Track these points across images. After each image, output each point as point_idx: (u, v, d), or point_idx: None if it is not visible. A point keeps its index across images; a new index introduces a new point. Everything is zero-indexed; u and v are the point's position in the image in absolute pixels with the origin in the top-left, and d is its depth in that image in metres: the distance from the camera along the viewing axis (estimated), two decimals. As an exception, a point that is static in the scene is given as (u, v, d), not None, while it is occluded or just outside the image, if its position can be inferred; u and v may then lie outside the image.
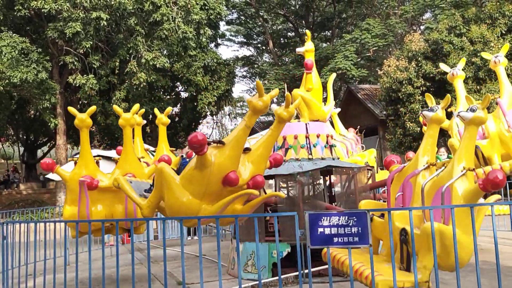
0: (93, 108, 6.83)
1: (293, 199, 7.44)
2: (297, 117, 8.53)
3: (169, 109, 9.15)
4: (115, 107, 7.54)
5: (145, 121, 9.00)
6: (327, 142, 7.62)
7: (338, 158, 7.79)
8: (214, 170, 4.90)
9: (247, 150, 5.30)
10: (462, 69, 8.94)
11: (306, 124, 7.66)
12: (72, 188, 6.38)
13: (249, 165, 5.24)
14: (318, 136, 7.55)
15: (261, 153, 5.30)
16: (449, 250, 4.43)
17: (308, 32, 9.03)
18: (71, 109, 6.94)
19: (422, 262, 4.52)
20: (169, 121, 8.99)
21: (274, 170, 7.08)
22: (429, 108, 5.62)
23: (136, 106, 7.47)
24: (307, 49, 8.56)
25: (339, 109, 12.31)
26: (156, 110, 8.98)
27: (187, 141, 4.88)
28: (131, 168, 6.68)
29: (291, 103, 5.32)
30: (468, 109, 5.11)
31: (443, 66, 9.22)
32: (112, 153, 12.31)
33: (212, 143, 5.04)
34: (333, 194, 8.32)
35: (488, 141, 7.51)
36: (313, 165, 7.15)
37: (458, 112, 5.26)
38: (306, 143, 7.47)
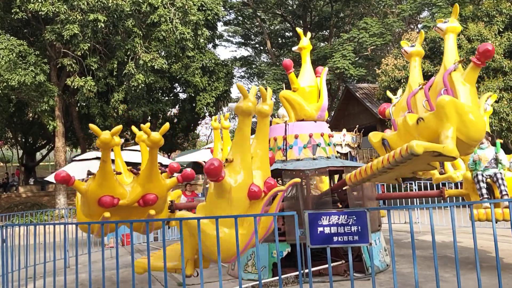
0: (119, 127, 5.77)
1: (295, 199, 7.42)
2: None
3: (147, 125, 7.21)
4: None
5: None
6: (309, 142, 7.54)
7: (328, 158, 7.57)
8: (88, 196, 5.80)
9: (137, 173, 6.24)
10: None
11: (285, 126, 7.69)
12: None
13: (137, 187, 6.05)
14: (296, 137, 7.54)
15: (145, 175, 6.01)
16: (464, 119, 5.12)
17: (298, 30, 8.91)
18: (93, 126, 6.18)
19: (445, 133, 5.09)
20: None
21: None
22: (410, 45, 6.90)
23: (119, 127, 6.06)
24: (301, 47, 8.49)
25: None
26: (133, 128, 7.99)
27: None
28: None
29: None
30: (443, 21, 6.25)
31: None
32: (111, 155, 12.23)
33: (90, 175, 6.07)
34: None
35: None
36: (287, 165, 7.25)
37: (435, 25, 6.35)
38: (283, 145, 7.57)
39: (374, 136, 6.84)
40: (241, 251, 4.80)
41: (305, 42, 8.40)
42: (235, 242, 4.66)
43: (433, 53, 20.50)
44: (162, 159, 14.36)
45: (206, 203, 5.20)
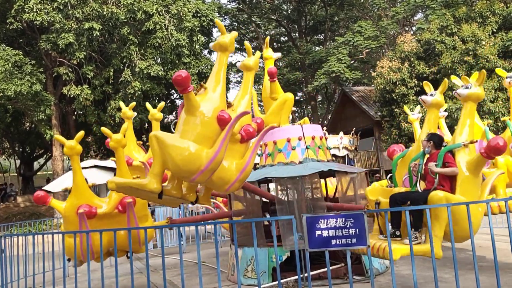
0: (81, 133, 6.31)
1: (291, 203, 7.39)
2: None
3: (162, 104, 9.01)
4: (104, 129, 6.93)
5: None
6: (298, 145, 7.56)
7: (301, 162, 7.37)
8: (67, 211, 6.11)
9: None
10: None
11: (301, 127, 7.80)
12: (70, 219, 6.10)
13: (112, 194, 6.31)
14: (288, 141, 7.59)
15: None
16: (457, 218, 4.70)
17: (267, 39, 8.86)
18: (58, 137, 6.71)
19: (433, 231, 4.70)
20: (162, 116, 8.90)
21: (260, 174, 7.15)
22: (429, 93, 6.19)
23: (81, 133, 6.49)
24: (266, 56, 8.54)
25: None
26: (148, 105, 8.88)
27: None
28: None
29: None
30: (463, 86, 5.60)
31: (455, 81, 8.23)
32: (108, 163, 12.27)
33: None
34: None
35: (495, 170, 6.80)
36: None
37: (455, 91, 5.72)
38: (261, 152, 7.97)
39: (371, 193, 6.05)
40: (202, 168, 4.91)
41: (269, 52, 8.47)
42: (199, 157, 4.85)
43: (428, 55, 20.60)
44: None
45: (178, 119, 5.40)
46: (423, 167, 5.43)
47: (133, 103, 8.90)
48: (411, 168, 5.63)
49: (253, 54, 6.08)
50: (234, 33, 5.62)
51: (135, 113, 8.70)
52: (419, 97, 6.39)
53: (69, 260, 6.24)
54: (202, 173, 4.93)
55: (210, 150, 4.94)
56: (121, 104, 8.80)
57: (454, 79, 8.04)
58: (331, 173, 7.84)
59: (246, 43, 6.09)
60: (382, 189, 6.07)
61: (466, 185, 4.93)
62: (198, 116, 5.04)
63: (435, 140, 5.44)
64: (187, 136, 5.00)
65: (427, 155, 5.50)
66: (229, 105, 5.72)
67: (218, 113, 5.06)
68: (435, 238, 4.72)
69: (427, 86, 6.48)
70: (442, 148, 5.31)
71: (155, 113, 8.73)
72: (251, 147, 5.45)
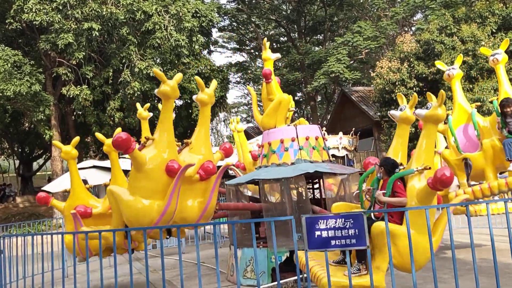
0: (76, 139, 7.03)
1: (280, 206, 7.34)
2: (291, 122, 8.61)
3: (147, 105, 8.50)
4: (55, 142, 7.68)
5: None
6: (291, 146, 7.55)
7: (293, 163, 7.32)
8: (66, 210, 6.45)
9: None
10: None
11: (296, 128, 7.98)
12: (68, 219, 6.61)
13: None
14: (282, 142, 7.58)
15: (113, 181, 6.81)
16: (401, 250, 4.47)
17: (265, 40, 8.86)
18: (56, 142, 7.38)
19: (375, 263, 4.53)
20: (150, 114, 8.40)
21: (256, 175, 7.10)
22: (399, 108, 5.69)
23: (76, 139, 7.24)
24: (265, 57, 8.58)
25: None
26: (137, 105, 8.48)
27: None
28: None
29: None
30: (425, 106, 5.15)
31: (439, 66, 8.05)
32: (107, 163, 12.24)
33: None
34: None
35: (481, 153, 6.90)
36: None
37: (414, 111, 5.34)
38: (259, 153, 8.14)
39: (336, 210, 5.45)
40: (155, 222, 4.97)
41: (268, 53, 8.51)
42: (151, 211, 4.92)
43: (427, 55, 20.59)
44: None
45: (129, 177, 5.44)
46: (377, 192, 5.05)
47: (147, 104, 8.65)
48: (364, 193, 5.22)
49: (207, 87, 5.84)
50: (178, 76, 5.44)
51: (151, 114, 8.48)
52: (388, 112, 6.08)
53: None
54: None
55: (161, 202, 4.94)
56: (138, 105, 8.55)
57: (439, 64, 7.97)
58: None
59: (197, 78, 5.76)
60: (347, 206, 5.62)
61: (413, 216, 4.42)
62: (146, 171, 5.01)
63: (387, 166, 5.01)
64: (138, 192, 5.04)
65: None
66: (186, 144, 5.71)
67: (167, 164, 5.02)
68: (377, 270, 4.49)
69: (400, 99, 6.02)
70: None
71: (141, 112, 8.34)
72: (211, 185, 5.40)
